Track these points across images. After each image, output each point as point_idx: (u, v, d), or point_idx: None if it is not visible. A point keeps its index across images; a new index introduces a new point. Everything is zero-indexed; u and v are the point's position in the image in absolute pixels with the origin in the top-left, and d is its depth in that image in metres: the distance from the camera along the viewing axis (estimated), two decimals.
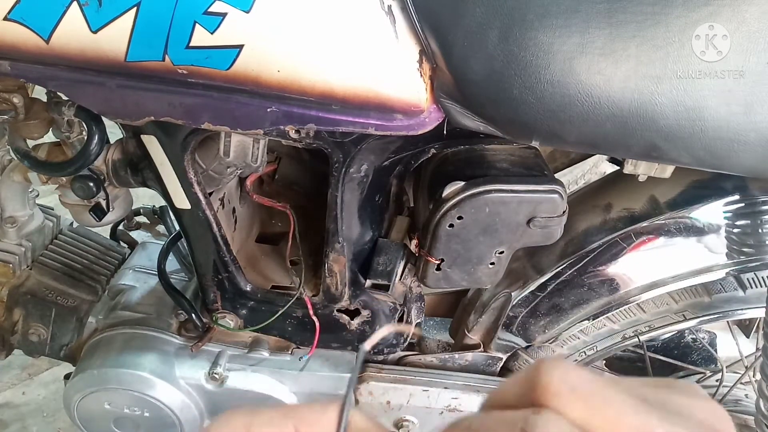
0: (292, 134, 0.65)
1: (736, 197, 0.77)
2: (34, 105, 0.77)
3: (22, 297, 0.95)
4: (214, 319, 0.89)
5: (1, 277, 0.95)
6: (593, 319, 0.92)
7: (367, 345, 0.30)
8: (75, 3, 0.56)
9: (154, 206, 1.13)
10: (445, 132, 0.64)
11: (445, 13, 0.57)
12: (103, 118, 0.70)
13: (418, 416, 0.93)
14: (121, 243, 1.11)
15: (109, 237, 1.11)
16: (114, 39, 0.58)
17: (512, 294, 0.90)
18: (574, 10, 0.54)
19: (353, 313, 0.88)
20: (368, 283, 0.86)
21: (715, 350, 1.15)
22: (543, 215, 0.72)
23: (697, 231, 0.84)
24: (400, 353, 0.96)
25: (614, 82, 0.54)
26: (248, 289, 0.87)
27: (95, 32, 0.58)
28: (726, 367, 1.05)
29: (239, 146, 0.72)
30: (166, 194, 0.78)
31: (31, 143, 0.81)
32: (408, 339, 0.93)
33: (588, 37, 0.53)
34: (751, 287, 0.88)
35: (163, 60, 0.58)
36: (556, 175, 0.77)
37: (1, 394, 1.56)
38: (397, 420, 0.93)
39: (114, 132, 0.80)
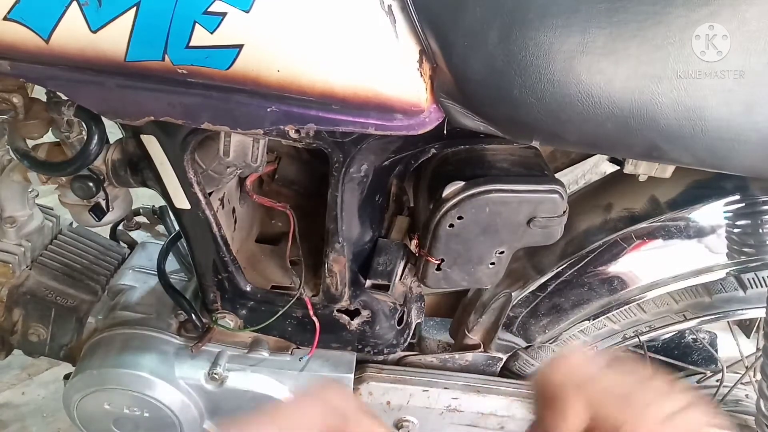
0: (292, 134, 0.65)
1: (737, 197, 0.77)
2: (34, 105, 0.77)
3: (22, 297, 0.95)
4: (213, 319, 0.89)
5: (1, 277, 0.94)
6: (593, 320, 0.92)
7: None
8: (75, 3, 0.56)
9: (154, 206, 1.13)
10: (445, 132, 0.64)
11: (446, 13, 0.57)
12: (103, 118, 0.70)
13: (418, 416, 0.93)
14: (121, 243, 1.11)
15: (108, 237, 1.11)
16: (114, 39, 0.58)
17: (512, 294, 0.90)
18: (574, 9, 0.53)
19: (353, 313, 0.88)
20: (368, 283, 0.85)
21: (716, 350, 1.15)
22: (543, 215, 0.72)
23: (697, 231, 0.84)
24: (400, 353, 0.96)
25: (615, 82, 0.54)
26: (248, 289, 0.87)
27: (95, 32, 0.58)
28: (726, 367, 1.05)
29: (239, 146, 0.72)
30: (165, 194, 0.78)
31: (30, 143, 0.81)
32: (408, 339, 0.93)
33: (588, 36, 0.53)
34: (752, 287, 0.88)
35: (163, 60, 0.58)
36: (557, 175, 0.77)
37: (1, 394, 1.56)
38: (397, 420, 0.93)
39: (114, 132, 0.80)
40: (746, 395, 1.05)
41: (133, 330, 0.90)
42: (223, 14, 0.56)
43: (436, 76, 0.61)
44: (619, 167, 0.77)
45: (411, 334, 0.94)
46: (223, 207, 0.85)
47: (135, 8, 0.56)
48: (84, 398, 0.89)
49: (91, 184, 0.78)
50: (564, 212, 0.73)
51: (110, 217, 0.87)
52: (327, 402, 0.32)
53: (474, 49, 0.56)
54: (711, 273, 0.84)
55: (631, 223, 0.83)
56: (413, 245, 0.82)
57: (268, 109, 0.62)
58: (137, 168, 0.80)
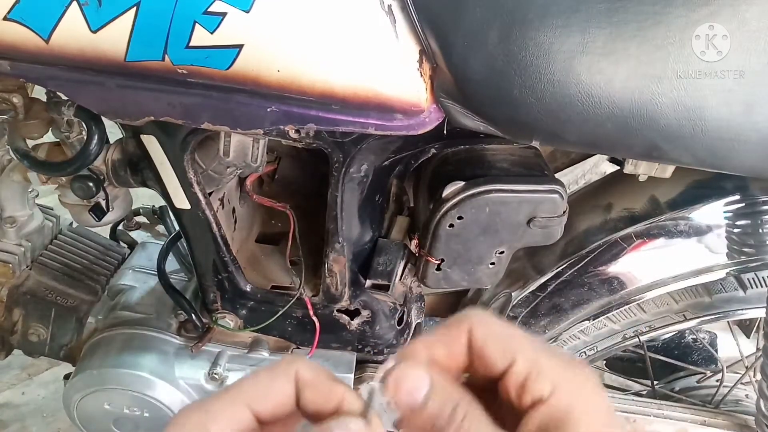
0: (292, 134, 0.65)
1: (737, 197, 0.77)
2: (34, 105, 0.77)
3: (22, 297, 0.95)
4: (213, 319, 0.89)
5: (1, 277, 0.94)
6: (594, 320, 0.92)
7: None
8: (75, 3, 0.56)
9: (154, 206, 1.13)
10: (445, 132, 0.64)
11: (446, 13, 0.57)
12: (103, 118, 0.70)
13: None
14: (121, 243, 1.10)
15: (108, 237, 1.11)
16: (114, 39, 0.58)
17: (512, 294, 0.90)
18: (574, 9, 0.53)
19: (353, 314, 0.88)
20: (368, 283, 0.85)
21: (716, 350, 1.15)
22: (543, 215, 0.72)
23: (697, 231, 0.84)
24: None
25: (615, 82, 0.54)
26: (248, 289, 0.87)
27: (95, 32, 0.58)
28: (726, 367, 1.05)
29: (239, 146, 0.72)
30: (165, 194, 0.78)
31: (30, 143, 0.81)
32: (408, 339, 0.93)
33: (588, 36, 0.53)
34: (752, 287, 0.89)
35: (163, 60, 0.58)
36: (557, 175, 0.77)
37: (1, 394, 1.55)
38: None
39: (114, 132, 0.80)
40: (746, 395, 1.05)
41: (133, 330, 0.90)
42: (223, 14, 0.56)
43: (436, 76, 0.61)
44: (619, 167, 0.77)
45: (411, 334, 0.94)
46: (223, 207, 0.85)
47: (135, 8, 0.56)
48: (84, 398, 0.89)
49: (91, 184, 0.78)
50: (564, 212, 0.73)
51: (110, 217, 0.87)
52: (283, 370, 0.31)
53: (474, 49, 0.56)
54: (711, 273, 0.84)
55: (631, 223, 0.83)
56: (413, 245, 0.82)
57: (268, 109, 0.62)
58: (137, 168, 0.80)
